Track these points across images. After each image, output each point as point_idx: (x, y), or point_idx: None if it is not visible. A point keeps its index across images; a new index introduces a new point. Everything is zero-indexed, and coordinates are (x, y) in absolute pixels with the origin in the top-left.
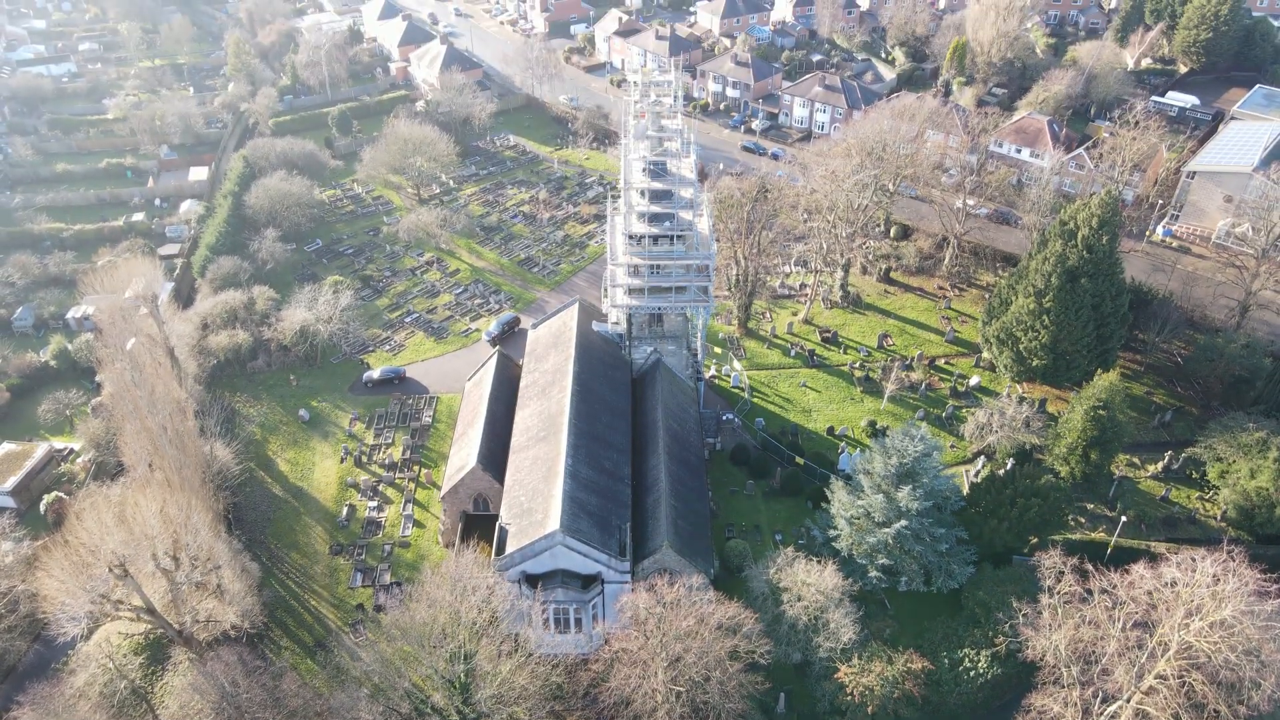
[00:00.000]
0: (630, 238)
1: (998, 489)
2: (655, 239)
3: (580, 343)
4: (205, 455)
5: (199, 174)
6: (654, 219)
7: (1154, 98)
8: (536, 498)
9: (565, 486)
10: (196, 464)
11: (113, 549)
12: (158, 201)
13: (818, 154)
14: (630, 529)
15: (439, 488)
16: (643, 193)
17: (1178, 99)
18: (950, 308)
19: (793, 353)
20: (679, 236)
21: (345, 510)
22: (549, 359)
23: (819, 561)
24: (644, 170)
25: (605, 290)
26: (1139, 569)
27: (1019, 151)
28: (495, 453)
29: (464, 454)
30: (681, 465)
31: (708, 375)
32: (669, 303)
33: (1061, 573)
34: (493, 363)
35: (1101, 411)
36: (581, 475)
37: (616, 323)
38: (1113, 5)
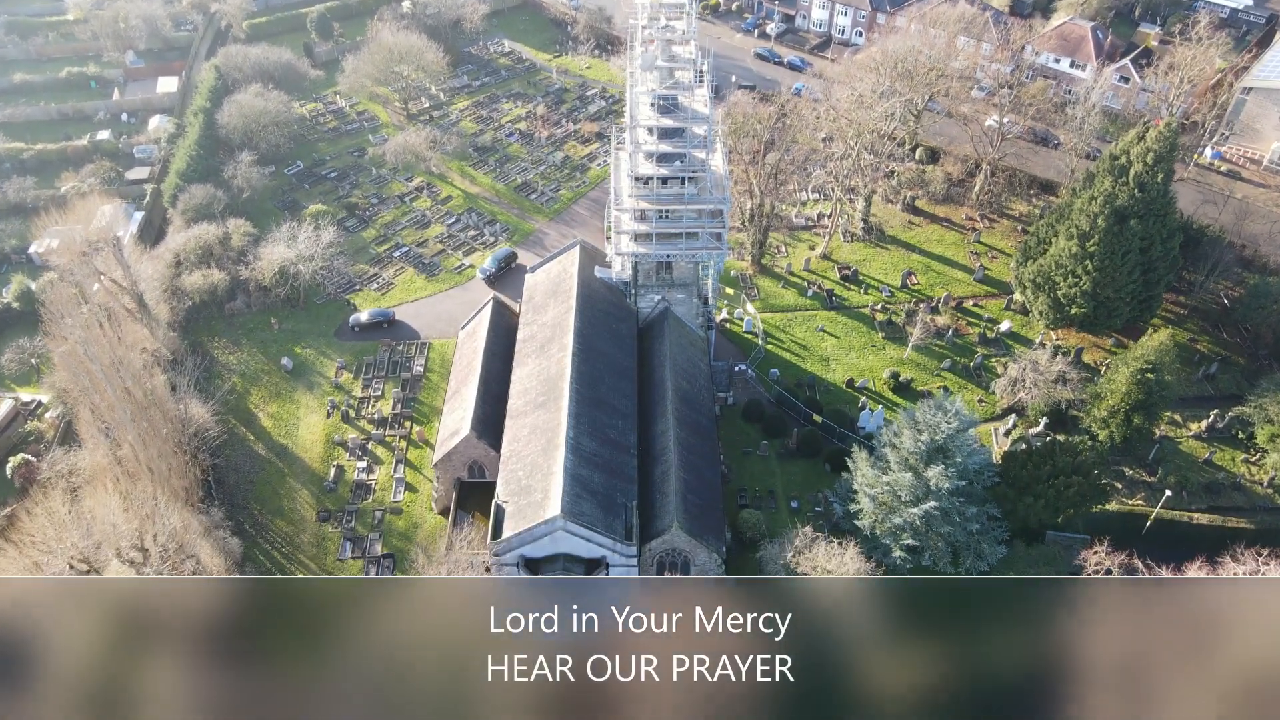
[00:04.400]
0: (636, 180)
1: (1035, 464)
2: (664, 181)
3: (581, 292)
4: (180, 415)
5: (168, 85)
6: (663, 159)
7: None
8: (535, 474)
9: (566, 463)
10: (169, 432)
11: (73, 543)
12: (124, 116)
13: (842, 73)
14: (637, 505)
15: (432, 446)
16: (650, 130)
17: None
18: (980, 241)
19: (810, 293)
20: (691, 178)
21: (333, 471)
22: (548, 310)
23: (839, 543)
24: (652, 105)
25: (608, 231)
26: (1196, 571)
27: (1058, 62)
28: (490, 416)
29: (457, 417)
30: (691, 430)
31: (719, 318)
32: (679, 250)
33: (1110, 571)
34: (488, 311)
35: (1150, 375)
36: (584, 448)
37: (622, 269)
38: None
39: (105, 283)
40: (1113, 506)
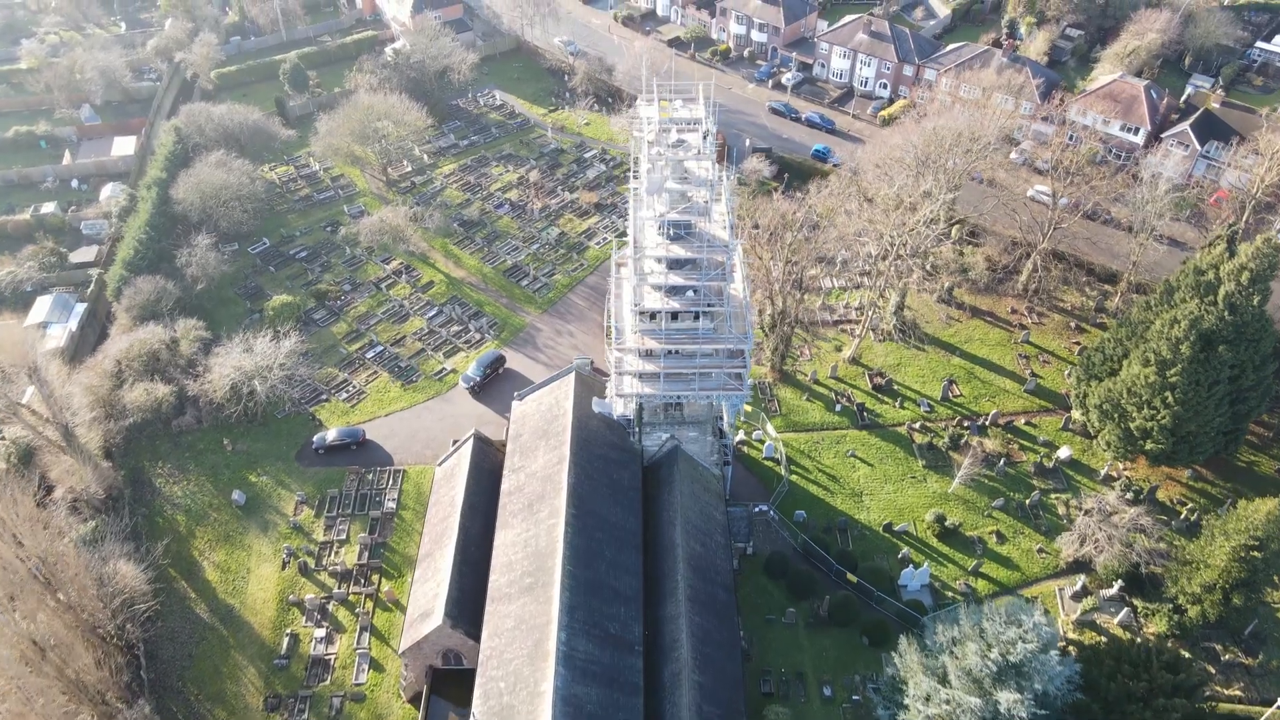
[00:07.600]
0: (641, 314)
1: (1126, 675)
2: (674, 315)
3: (576, 435)
4: (105, 580)
5: (124, 146)
6: (673, 291)
7: (1258, 43)
8: (520, 690)
9: (557, 682)
10: (87, 605)
11: None
12: (75, 183)
13: (878, 158)
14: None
15: (402, 609)
16: (659, 259)
17: None
18: (1028, 342)
19: (838, 408)
20: (706, 312)
21: (286, 642)
22: (538, 454)
23: None
24: (661, 231)
25: (607, 328)
26: None
27: (1107, 124)
28: (468, 593)
29: (430, 592)
30: (706, 610)
31: (735, 439)
32: (691, 391)
33: None
34: (468, 449)
35: (1256, 553)
36: (578, 655)
37: (625, 408)
38: None
39: (24, 415)
40: (1206, 707)
